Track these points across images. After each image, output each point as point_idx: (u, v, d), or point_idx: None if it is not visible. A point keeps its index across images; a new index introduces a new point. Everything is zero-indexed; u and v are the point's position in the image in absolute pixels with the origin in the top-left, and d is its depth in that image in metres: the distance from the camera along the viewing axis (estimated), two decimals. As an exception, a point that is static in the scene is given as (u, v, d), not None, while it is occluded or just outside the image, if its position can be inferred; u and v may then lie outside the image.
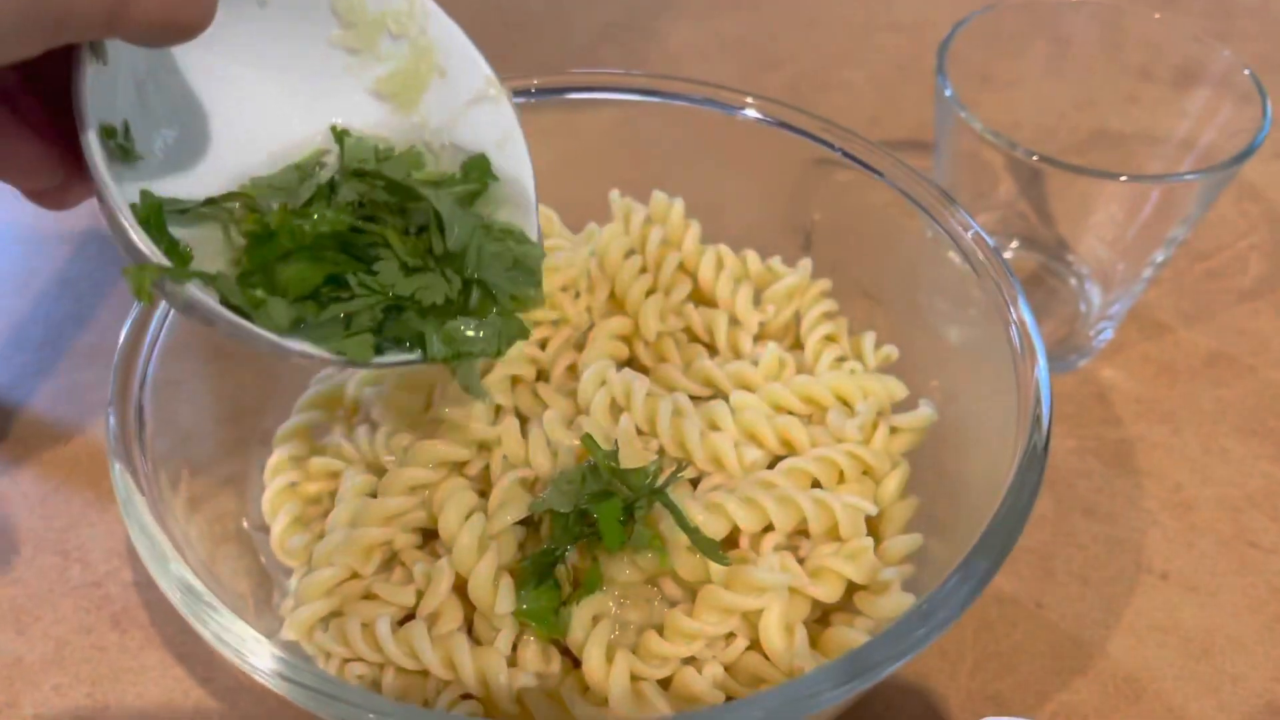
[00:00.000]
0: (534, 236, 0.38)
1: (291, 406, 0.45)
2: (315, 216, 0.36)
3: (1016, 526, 0.33)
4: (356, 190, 0.37)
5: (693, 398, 0.44)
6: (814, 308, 0.46)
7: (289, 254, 0.35)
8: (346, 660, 0.37)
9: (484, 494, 0.41)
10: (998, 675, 0.46)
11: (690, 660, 0.37)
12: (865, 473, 0.41)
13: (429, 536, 0.41)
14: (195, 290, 0.31)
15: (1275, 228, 0.64)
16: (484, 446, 0.42)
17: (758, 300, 0.47)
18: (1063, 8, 0.57)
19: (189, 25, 0.28)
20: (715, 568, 0.37)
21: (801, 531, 0.40)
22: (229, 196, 0.36)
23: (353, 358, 0.34)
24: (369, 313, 0.35)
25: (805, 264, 0.47)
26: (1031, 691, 0.45)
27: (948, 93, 0.50)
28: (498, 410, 0.43)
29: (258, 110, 0.37)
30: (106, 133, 0.31)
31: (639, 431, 0.41)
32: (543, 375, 0.46)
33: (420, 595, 0.38)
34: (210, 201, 0.35)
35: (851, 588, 0.39)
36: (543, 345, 0.46)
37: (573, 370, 0.46)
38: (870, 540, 0.39)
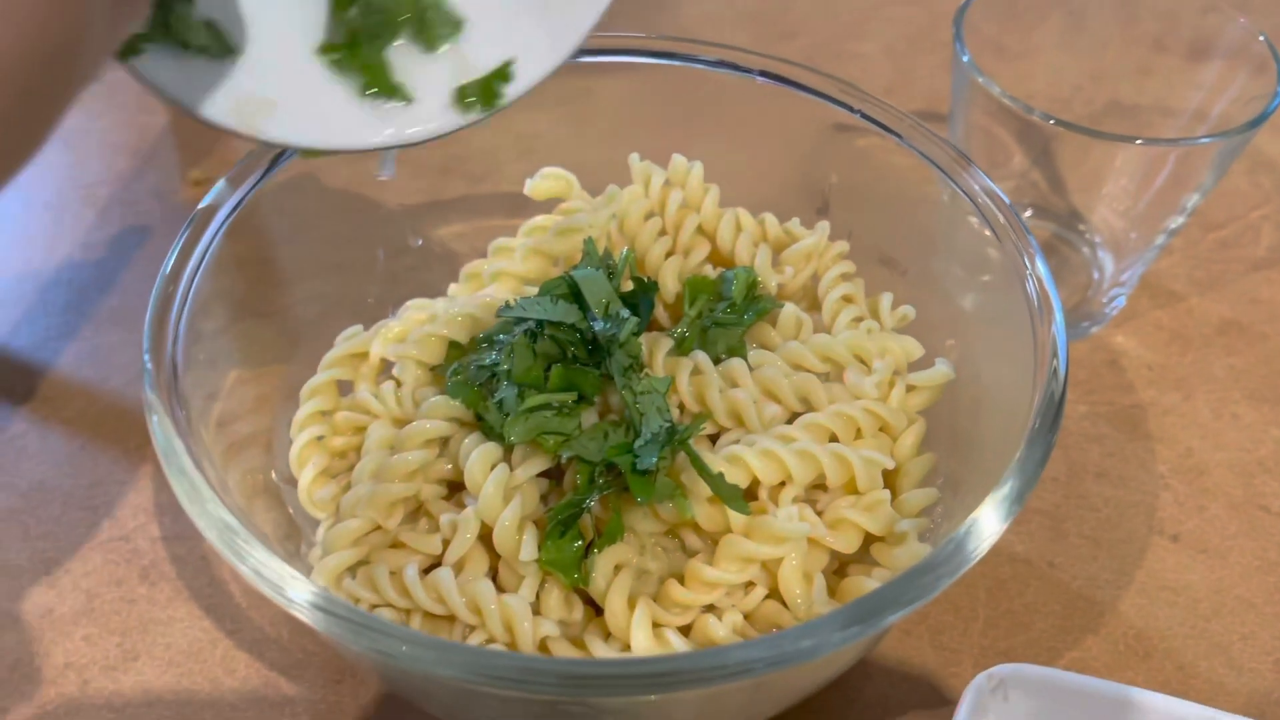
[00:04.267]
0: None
1: (316, 363, 0.46)
2: None
3: (1030, 480, 0.34)
4: None
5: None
6: (832, 269, 0.46)
7: None
8: (374, 606, 0.38)
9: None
10: (1010, 632, 0.46)
11: (710, 608, 0.38)
12: (882, 429, 0.42)
13: (455, 488, 0.41)
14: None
15: (1288, 199, 0.64)
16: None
17: (776, 262, 0.48)
18: (1077, -23, 0.57)
19: None
20: (736, 517, 0.38)
21: (819, 485, 0.40)
22: None
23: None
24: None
25: (823, 226, 0.48)
26: (1043, 648, 0.46)
27: (965, 58, 0.51)
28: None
29: None
30: None
31: (660, 389, 0.42)
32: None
33: (446, 544, 0.39)
34: None
35: (869, 539, 0.39)
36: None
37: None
38: (887, 492, 0.39)
